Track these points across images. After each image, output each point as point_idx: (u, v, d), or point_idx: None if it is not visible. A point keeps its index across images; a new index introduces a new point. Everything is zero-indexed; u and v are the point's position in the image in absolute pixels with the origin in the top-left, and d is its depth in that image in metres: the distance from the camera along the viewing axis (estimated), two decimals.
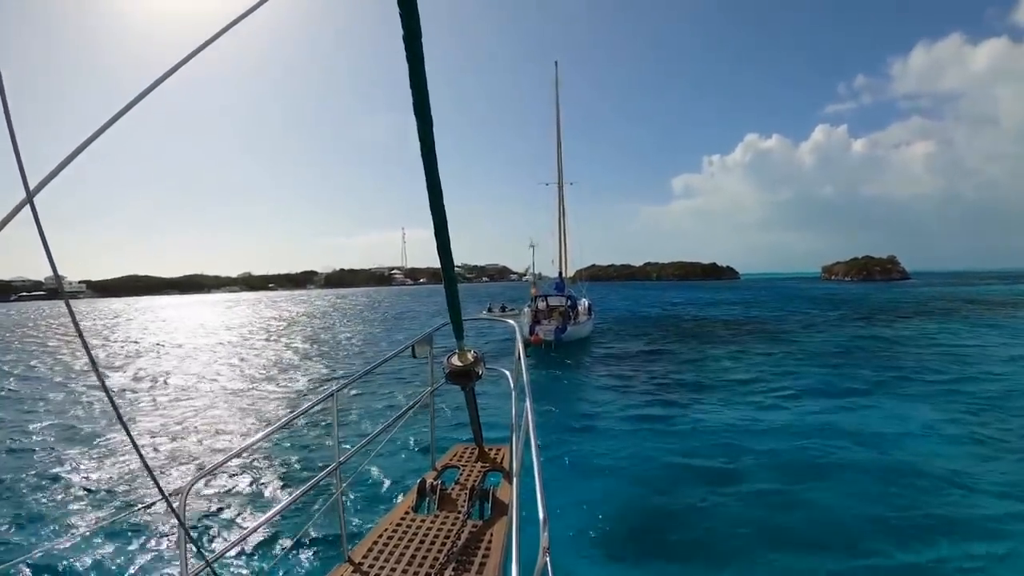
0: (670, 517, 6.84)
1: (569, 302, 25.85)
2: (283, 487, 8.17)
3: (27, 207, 0.83)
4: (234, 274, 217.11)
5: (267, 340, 30.89)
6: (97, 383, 13.98)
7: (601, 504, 7.18)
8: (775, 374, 15.83)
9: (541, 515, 1.56)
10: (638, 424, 11.00)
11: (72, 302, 1.01)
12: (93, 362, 1.05)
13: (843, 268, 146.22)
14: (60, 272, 1.01)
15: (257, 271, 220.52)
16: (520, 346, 3.13)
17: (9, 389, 17.38)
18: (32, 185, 0.83)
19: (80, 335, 0.99)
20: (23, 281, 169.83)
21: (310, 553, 6.07)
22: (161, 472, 8.94)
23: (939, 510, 6.76)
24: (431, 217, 1.88)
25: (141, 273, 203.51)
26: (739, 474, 8.12)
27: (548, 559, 1.44)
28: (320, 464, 8.92)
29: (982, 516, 6.56)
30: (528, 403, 2.31)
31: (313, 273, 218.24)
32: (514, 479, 2.08)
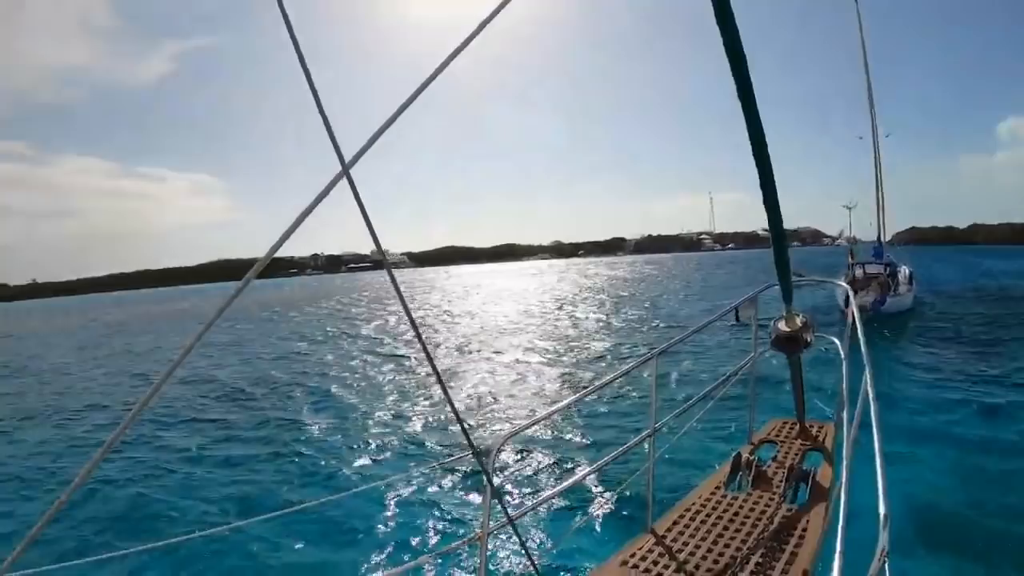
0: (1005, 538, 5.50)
1: (888, 270, 22.69)
2: (591, 451, 8.14)
3: (344, 183, 0.86)
4: (545, 242, 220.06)
5: (580, 305, 31.46)
6: (416, 344, 15.49)
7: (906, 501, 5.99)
8: None
9: (882, 511, 1.36)
10: (969, 422, 8.93)
11: (395, 271, 1.09)
12: (414, 325, 1.09)
13: None
14: (384, 245, 1.03)
15: (566, 238, 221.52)
16: (855, 311, 2.83)
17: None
18: (347, 159, 0.86)
19: (401, 300, 1.05)
20: (352, 254, 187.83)
21: (612, 520, 5.91)
22: (471, 428, 9.48)
23: None
24: (755, 168, 1.72)
25: (458, 244, 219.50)
26: None
27: (887, 564, 1.25)
28: (632, 430, 8.37)
29: None
30: (867, 376, 2.06)
31: (622, 240, 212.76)
32: (844, 462, 1.81)
